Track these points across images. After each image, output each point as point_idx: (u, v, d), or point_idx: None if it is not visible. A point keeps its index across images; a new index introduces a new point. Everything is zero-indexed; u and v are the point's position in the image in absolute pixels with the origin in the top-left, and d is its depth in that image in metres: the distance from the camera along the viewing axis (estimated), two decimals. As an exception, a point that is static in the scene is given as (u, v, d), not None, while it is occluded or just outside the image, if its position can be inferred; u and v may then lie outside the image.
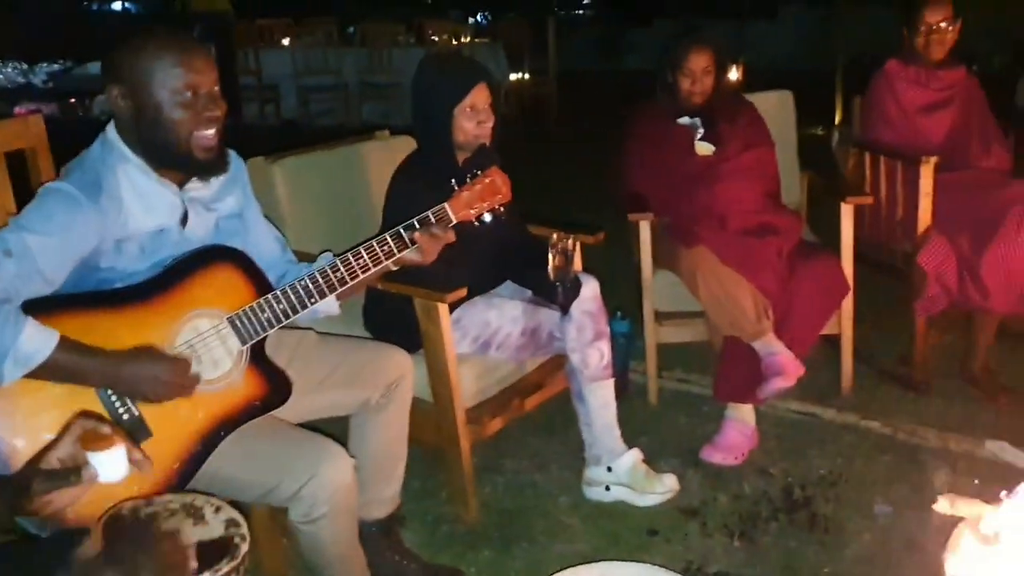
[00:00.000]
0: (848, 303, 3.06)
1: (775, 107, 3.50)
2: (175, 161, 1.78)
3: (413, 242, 1.95)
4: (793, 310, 2.88)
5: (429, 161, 2.50)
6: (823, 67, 7.54)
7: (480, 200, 2.05)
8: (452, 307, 2.43)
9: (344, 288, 1.91)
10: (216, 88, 1.77)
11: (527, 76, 9.09)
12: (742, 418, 2.86)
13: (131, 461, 1.25)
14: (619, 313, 3.23)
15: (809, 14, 13.73)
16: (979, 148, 3.23)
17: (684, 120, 3.16)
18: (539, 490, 2.72)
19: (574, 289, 2.48)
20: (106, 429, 1.20)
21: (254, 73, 9.44)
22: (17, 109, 8.71)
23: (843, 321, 3.08)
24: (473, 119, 2.45)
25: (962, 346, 3.20)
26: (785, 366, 2.76)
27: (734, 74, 8.31)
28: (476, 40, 9.73)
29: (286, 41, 9.98)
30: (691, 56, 3.10)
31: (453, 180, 2.08)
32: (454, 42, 9.47)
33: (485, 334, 2.52)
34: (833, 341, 3.14)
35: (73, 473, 1.21)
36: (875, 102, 3.32)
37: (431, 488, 2.66)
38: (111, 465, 1.17)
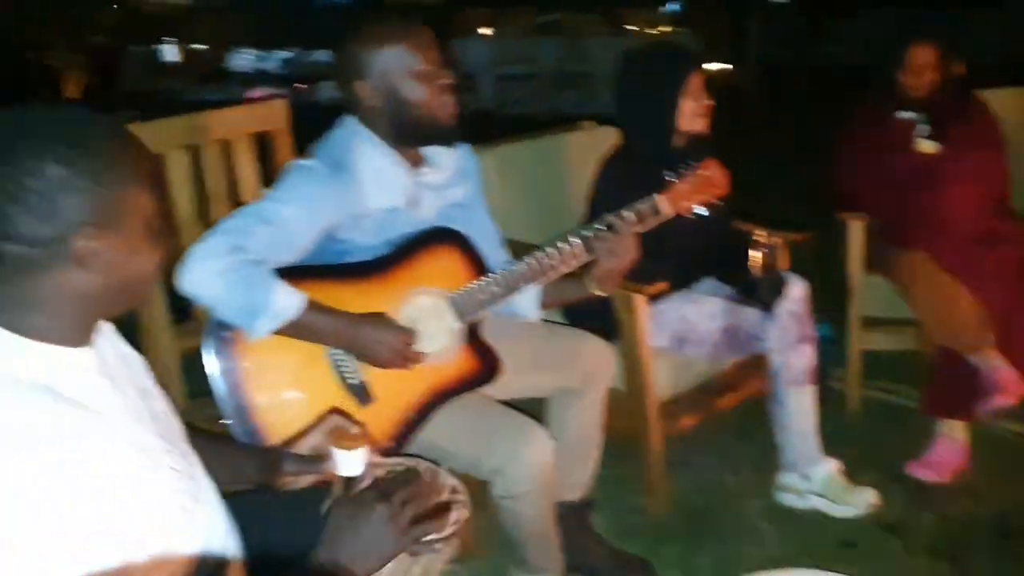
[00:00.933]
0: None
1: (1010, 105, 3.26)
2: (428, 132, 1.89)
3: (613, 228, 1.95)
4: (1019, 325, 2.70)
5: (640, 151, 2.49)
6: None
7: (696, 192, 2.04)
8: (651, 300, 2.43)
9: (552, 275, 1.95)
10: (444, 58, 1.87)
11: (724, 67, 8.90)
12: (953, 435, 2.71)
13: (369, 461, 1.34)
14: (819, 317, 3.13)
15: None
16: None
17: (906, 115, 3.01)
18: (729, 490, 2.69)
19: (778, 289, 2.43)
20: (355, 429, 1.28)
21: (452, 63, 9.72)
22: (250, 93, 9.35)
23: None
24: (698, 102, 2.44)
25: None
26: (1007, 383, 2.59)
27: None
28: (673, 29, 9.61)
29: (485, 31, 10.22)
30: (913, 50, 2.95)
31: (666, 172, 2.07)
32: (650, 31, 9.40)
33: (682, 330, 2.50)
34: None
35: (318, 462, 1.31)
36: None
37: (622, 477, 2.67)
38: (352, 463, 1.24)
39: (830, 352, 3.09)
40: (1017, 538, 2.38)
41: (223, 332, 1.70)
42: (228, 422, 1.68)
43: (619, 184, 2.42)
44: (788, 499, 2.57)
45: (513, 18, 10.49)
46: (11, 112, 0.98)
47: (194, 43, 11.36)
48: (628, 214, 1.98)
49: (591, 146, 2.80)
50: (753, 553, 2.39)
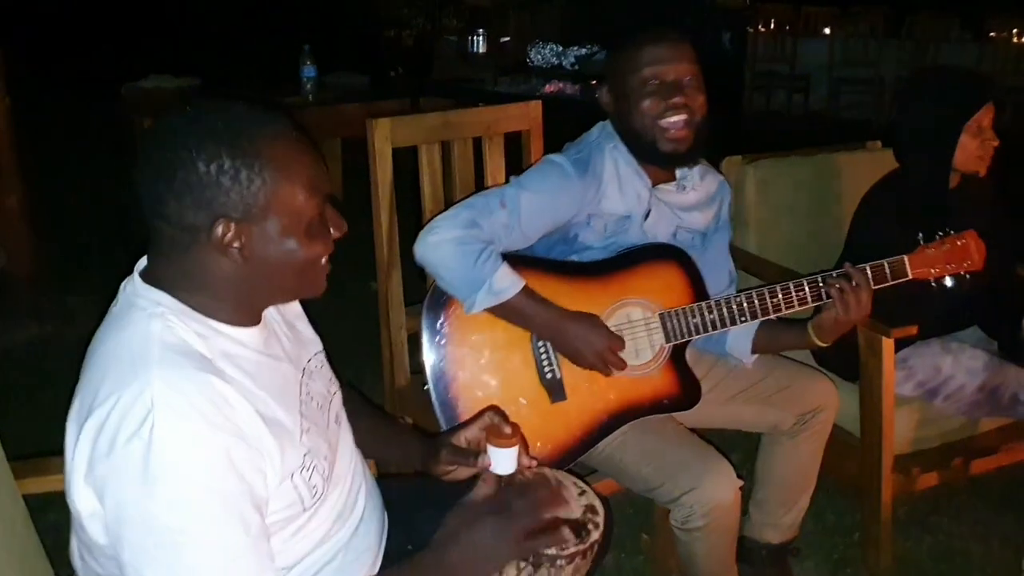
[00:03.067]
0: None
1: None
2: (645, 150, 1.91)
3: (843, 291, 1.84)
4: None
5: (912, 184, 2.31)
6: None
7: (945, 262, 1.88)
8: (900, 344, 2.25)
9: (769, 316, 1.89)
10: (688, 78, 1.85)
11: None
12: None
13: (520, 462, 1.40)
14: None
15: None
16: None
17: None
18: (971, 562, 2.43)
19: (1052, 351, 2.15)
20: (508, 429, 1.35)
21: (787, 61, 9.38)
22: (548, 87, 9.70)
23: None
24: (979, 137, 2.22)
25: None
26: None
27: None
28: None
29: (827, 30, 9.72)
30: None
31: (920, 224, 1.93)
32: (1016, 41, 8.42)
33: (934, 380, 2.29)
34: None
35: (473, 455, 1.39)
36: None
37: (847, 526, 2.52)
38: (504, 460, 1.30)
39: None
40: None
41: (442, 300, 1.84)
42: (428, 387, 1.82)
43: (879, 220, 2.28)
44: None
45: (861, 17, 9.86)
46: (197, 107, 1.13)
47: (501, 36, 11.91)
48: (868, 271, 1.86)
49: (869, 170, 2.62)
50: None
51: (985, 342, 2.37)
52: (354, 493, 1.34)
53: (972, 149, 2.21)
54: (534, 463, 1.33)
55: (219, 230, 1.10)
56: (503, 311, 1.79)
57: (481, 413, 1.44)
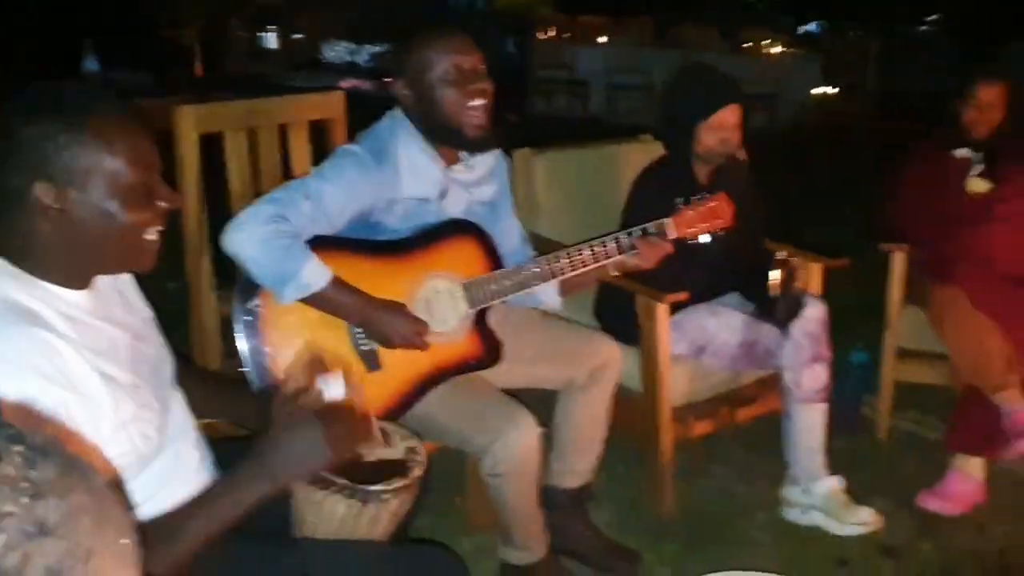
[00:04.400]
0: (1122, 372, 2.79)
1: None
2: (450, 137, 2.06)
3: (633, 247, 2.11)
4: (1051, 369, 2.69)
5: (670, 169, 2.63)
6: None
7: (701, 221, 2.16)
8: (674, 309, 2.56)
9: (565, 277, 2.11)
10: (481, 67, 2.03)
11: (833, 91, 8.77)
12: (969, 471, 2.72)
13: (348, 384, 1.53)
14: (860, 345, 3.18)
15: None
16: None
17: (962, 152, 3.03)
18: (739, 501, 2.78)
19: (793, 307, 2.52)
20: (328, 358, 1.46)
21: (567, 67, 9.92)
22: (341, 84, 9.77)
23: (1112, 390, 2.81)
24: (716, 136, 2.56)
25: None
26: (1028, 425, 2.60)
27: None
28: (788, 50, 9.53)
29: (602, 39, 10.36)
30: (980, 86, 2.98)
31: (679, 197, 2.22)
32: (764, 50, 9.35)
33: (702, 339, 2.61)
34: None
35: (304, 392, 1.50)
36: None
37: (634, 476, 2.79)
38: (333, 386, 1.42)
39: (865, 379, 3.15)
40: (1011, 572, 2.40)
41: (252, 287, 1.92)
42: (246, 369, 1.90)
43: (647, 198, 2.57)
44: (791, 513, 2.65)
45: (632, 27, 10.59)
46: (35, 86, 1.20)
47: (293, 33, 11.91)
48: (639, 231, 2.12)
49: (644, 159, 2.92)
50: (746, 562, 2.47)
51: (743, 305, 2.71)
52: (187, 451, 1.42)
53: (711, 143, 2.55)
54: (361, 387, 1.47)
55: (37, 192, 1.16)
56: (313, 301, 1.90)
57: (300, 354, 1.55)
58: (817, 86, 8.82)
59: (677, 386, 2.61)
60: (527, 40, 10.00)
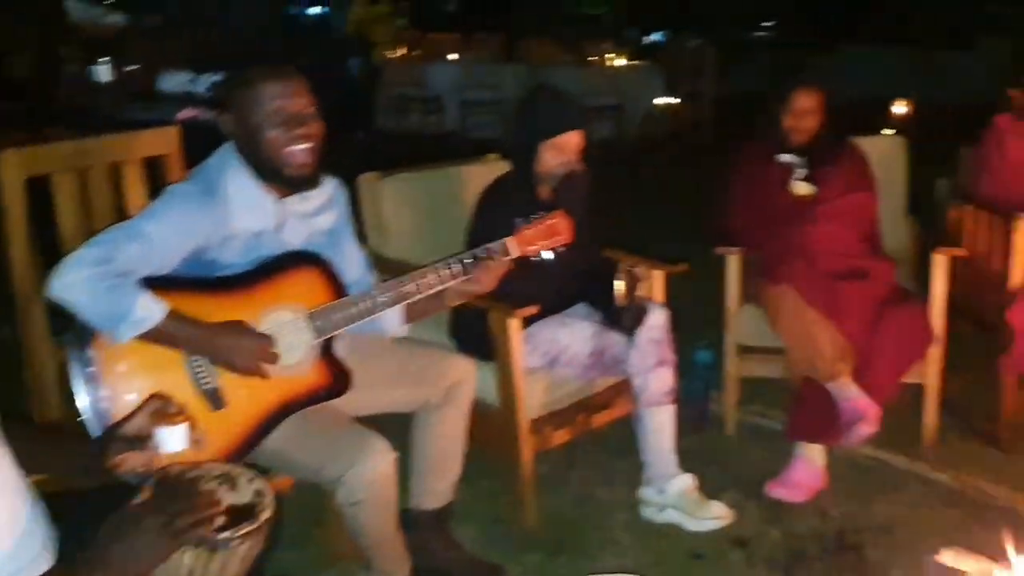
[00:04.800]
0: (936, 353, 3.03)
1: (886, 151, 3.50)
2: (272, 175, 2.06)
3: (468, 272, 2.15)
4: (875, 356, 2.89)
5: (512, 187, 2.70)
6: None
7: (540, 239, 2.23)
8: (526, 322, 2.62)
9: (410, 301, 2.13)
10: (308, 110, 2.04)
11: (678, 100, 9.12)
12: (811, 457, 2.89)
13: (191, 439, 1.51)
14: (704, 344, 3.33)
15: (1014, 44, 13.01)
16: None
17: (785, 157, 3.23)
18: (600, 505, 2.86)
19: (638, 315, 2.63)
20: (174, 409, 1.44)
21: (420, 84, 9.95)
22: (179, 114, 9.52)
23: (929, 371, 3.05)
24: (557, 158, 2.65)
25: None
26: (861, 411, 2.79)
27: (903, 108, 8.09)
28: (632, 62, 9.84)
29: (454, 56, 10.44)
30: (797, 95, 3.18)
31: (521, 215, 2.28)
32: (609, 63, 9.64)
33: (554, 350, 2.69)
34: (920, 390, 3.11)
35: (140, 441, 1.47)
36: (984, 155, 3.27)
37: (495, 490, 2.84)
38: (173, 439, 1.40)
39: (711, 377, 3.31)
40: (848, 552, 2.57)
41: (86, 333, 1.87)
42: (85, 418, 1.84)
43: (489, 217, 2.63)
44: (649, 512, 2.75)
45: (482, 44, 10.73)
46: None
47: (127, 64, 11.63)
48: (477, 254, 2.17)
49: (489, 178, 2.99)
50: (609, 564, 2.57)
51: (591, 314, 2.80)
52: (13, 509, 1.37)
53: (552, 164, 2.64)
54: (204, 441, 1.45)
55: None
56: (151, 337, 1.86)
57: (146, 401, 1.52)
58: (661, 96, 9.13)
59: (533, 398, 2.67)
60: (375, 58, 9.99)
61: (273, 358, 1.96)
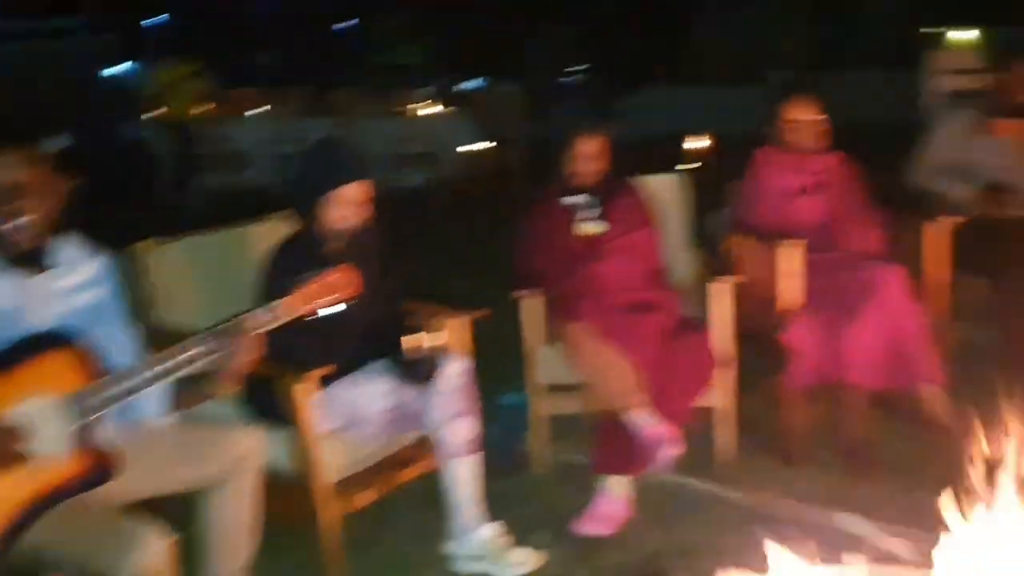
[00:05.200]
0: (725, 376, 3.18)
1: (667, 189, 3.66)
2: None
3: (220, 349, 2.05)
4: (667, 384, 3.01)
5: (299, 244, 2.65)
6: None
7: (321, 295, 2.18)
8: (321, 384, 2.56)
9: (173, 378, 2.01)
10: (20, 182, 1.94)
11: (490, 145, 9.28)
12: (616, 489, 2.95)
13: None
14: (514, 386, 3.36)
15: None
16: (851, 231, 3.38)
17: (573, 199, 3.33)
18: (413, 562, 2.81)
19: (431, 367, 2.62)
20: None
21: (225, 140, 9.69)
22: None
23: (720, 394, 3.19)
24: (339, 211, 2.63)
25: (837, 419, 3.31)
26: (661, 437, 2.88)
27: (702, 143, 8.56)
28: (444, 109, 9.96)
29: (260, 109, 10.25)
30: (579, 140, 3.29)
31: (307, 272, 2.22)
32: (419, 111, 9.72)
33: (352, 410, 2.64)
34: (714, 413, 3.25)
35: None
36: (749, 186, 3.50)
37: (302, 559, 2.73)
38: None
39: (521, 418, 3.33)
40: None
41: None
42: None
43: (271, 273, 2.58)
44: (459, 565, 2.73)
45: (284, 98, 10.58)
46: None
47: None
48: (248, 319, 2.09)
49: (275, 236, 2.92)
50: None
51: (388, 370, 2.77)
52: None
53: (336, 217, 2.62)
54: None
55: None
56: None
57: None
58: (474, 142, 9.26)
59: (333, 461, 2.61)
60: (175, 119, 9.66)
61: (18, 451, 1.82)
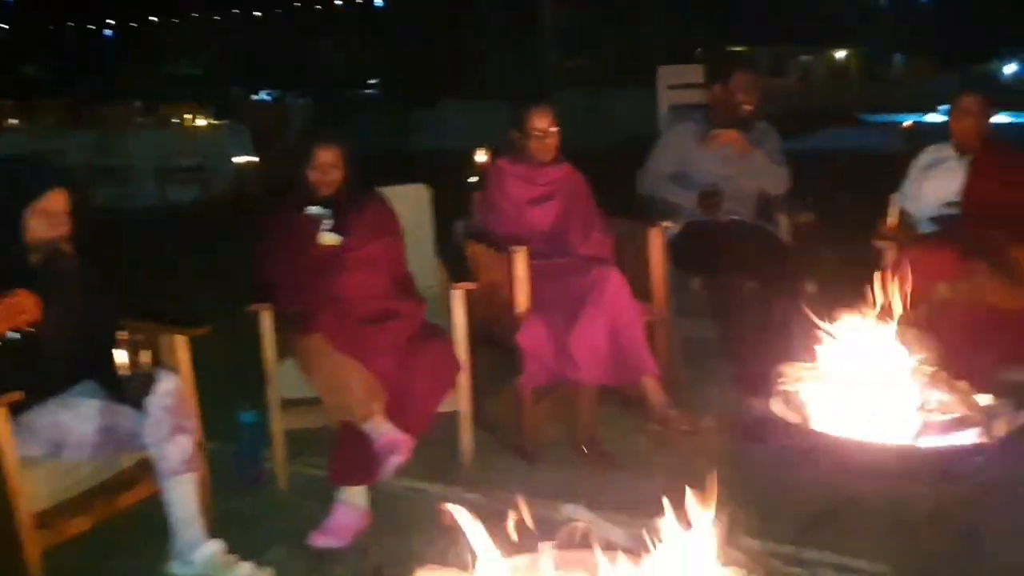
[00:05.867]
0: (465, 380, 3.25)
1: (411, 199, 3.71)
2: None
3: None
4: (409, 391, 3.04)
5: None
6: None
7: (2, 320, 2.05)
8: (16, 410, 2.40)
9: None
10: None
11: (261, 158, 9.10)
12: (352, 500, 2.95)
13: None
14: (250, 403, 3.29)
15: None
16: (579, 237, 3.56)
17: (312, 210, 3.30)
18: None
19: (144, 385, 2.52)
20: None
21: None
22: None
23: (460, 397, 3.26)
24: (44, 222, 2.49)
25: (572, 415, 3.46)
26: (396, 444, 2.89)
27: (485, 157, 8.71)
28: (215, 121, 9.68)
29: (13, 121, 9.58)
30: (317, 151, 3.28)
31: None
32: (191, 123, 9.40)
33: (57, 435, 2.50)
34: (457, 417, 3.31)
35: None
36: (488, 196, 3.61)
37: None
38: None
39: (260, 435, 3.26)
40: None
41: None
42: None
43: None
44: (184, 587, 2.63)
45: (44, 110, 9.94)
46: None
47: None
48: None
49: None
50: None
51: (97, 391, 2.64)
52: None
53: (39, 229, 2.48)
54: None
55: None
56: None
57: None
58: (247, 154, 9.03)
59: (37, 490, 2.46)
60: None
61: None
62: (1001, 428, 2.71)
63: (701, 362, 3.99)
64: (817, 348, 2.88)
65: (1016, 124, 8.84)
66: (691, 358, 3.99)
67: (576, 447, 3.39)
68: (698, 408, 3.54)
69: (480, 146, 9.03)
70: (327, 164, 3.30)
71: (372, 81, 22.86)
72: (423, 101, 16.96)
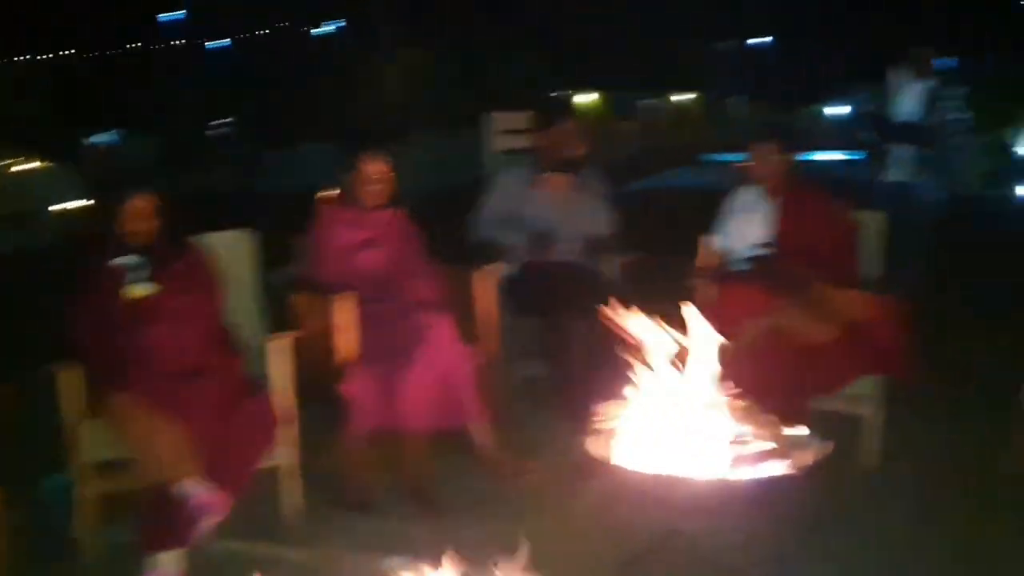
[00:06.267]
0: (291, 433, 3.15)
1: (231, 247, 3.59)
2: None
3: None
4: (226, 448, 2.92)
5: None
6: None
7: None
8: None
9: None
10: None
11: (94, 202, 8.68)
12: (167, 566, 2.79)
13: None
14: (58, 469, 3.09)
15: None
16: (407, 281, 3.53)
17: (121, 260, 3.15)
18: None
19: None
20: None
21: None
22: None
23: (283, 452, 3.16)
24: None
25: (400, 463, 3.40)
26: (209, 505, 2.77)
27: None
28: (47, 164, 9.19)
29: None
30: (131, 202, 3.15)
31: None
32: (18, 167, 8.91)
33: None
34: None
35: None
36: (315, 241, 3.54)
37: None
38: None
39: (68, 502, 3.06)
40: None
41: None
42: None
43: None
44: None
45: None
46: None
47: None
48: None
49: None
50: None
51: None
52: None
53: None
54: None
55: None
56: None
57: None
58: (81, 198, 8.61)
59: None
60: None
61: None
62: (807, 458, 2.82)
63: (541, 402, 4.02)
64: (633, 385, 2.94)
65: (852, 160, 9.42)
66: (530, 399, 4.01)
67: (404, 495, 3.33)
68: (532, 448, 3.55)
69: (329, 188, 8.94)
70: (137, 214, 3.17)
71: (227, 120, 22.32)
72: (278, 141, 16.65)
